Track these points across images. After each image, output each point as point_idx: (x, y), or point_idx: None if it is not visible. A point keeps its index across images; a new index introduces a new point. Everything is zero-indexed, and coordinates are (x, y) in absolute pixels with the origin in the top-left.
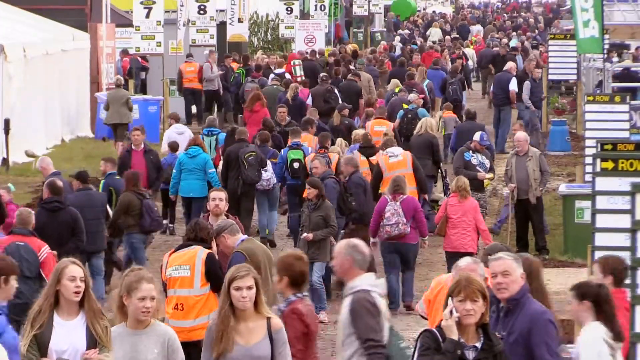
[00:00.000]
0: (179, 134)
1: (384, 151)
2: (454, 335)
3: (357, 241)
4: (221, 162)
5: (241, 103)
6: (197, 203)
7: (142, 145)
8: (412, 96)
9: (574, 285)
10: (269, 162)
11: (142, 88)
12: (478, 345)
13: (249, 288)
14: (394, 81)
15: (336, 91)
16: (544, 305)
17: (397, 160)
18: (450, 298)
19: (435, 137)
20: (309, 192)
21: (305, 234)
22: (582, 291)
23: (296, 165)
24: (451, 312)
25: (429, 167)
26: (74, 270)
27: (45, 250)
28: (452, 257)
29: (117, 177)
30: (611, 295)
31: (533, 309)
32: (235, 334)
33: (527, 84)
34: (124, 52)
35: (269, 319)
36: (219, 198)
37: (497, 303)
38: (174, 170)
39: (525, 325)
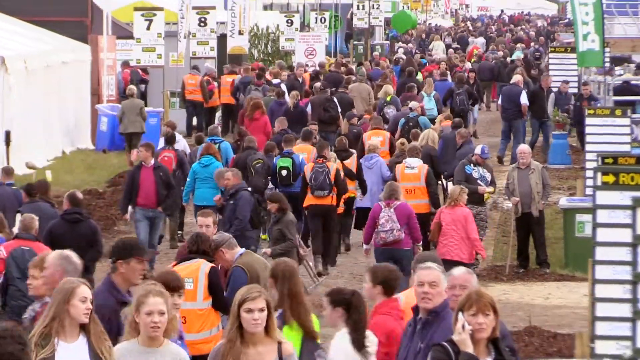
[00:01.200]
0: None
1: (404, 160)
2: (469, 348)
3: (69, 252)
4: None
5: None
6: None
7: (152, 162)
8: (414, 104)
9: (328, 291)
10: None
11: (142, 100)
12: None
13: (261, 310)
14: (385, 88)
15: (335, 100)
16: (297, 311)
17: (412, 173)
18: (460, 312)
19: (435, 149)
20: (270, 206)
21: (264, 249)
22: (335, 298)
23: (284, 173)
24: (463, 325)
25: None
26: (85, 291)
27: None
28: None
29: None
30: (363, 303)
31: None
32: (244, 358)
33: (552, 97)
34: (125, 64)
35: (280, 343)
36: (205, 225)
37: (414, 315)
38: (188, 179)
39: (444, 338)
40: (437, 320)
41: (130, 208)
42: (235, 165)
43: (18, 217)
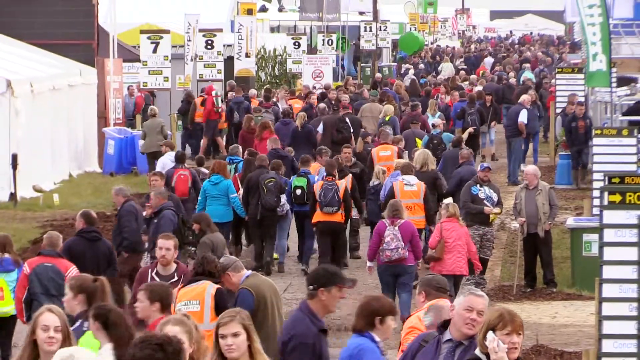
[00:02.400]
0: (172, 160)
1: (401, 177)
2: None
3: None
4: (241, 189)
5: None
6: (222, 228)
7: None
8: (437, 120)
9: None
10: None
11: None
12: None
13: (235, 335)
14: (386, 108)
15: (348, 121)
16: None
17: (411, 190)
18: (492, 331)
19: (438, 172)
20: (194, 226)
21: None
22: (95, 312)
23: (298, 192)
24: (497, 344)
25: (434, 201)
26: (48, 318)
27: (72, 271)
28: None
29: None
30: (122, 320)
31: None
32: None
33: (559, 118)
34: (138, 87)
35: None
36: (165, 248)
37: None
38: (199, 198)
39: None
40: (472, 347)
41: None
42: (247, 184)
43: None
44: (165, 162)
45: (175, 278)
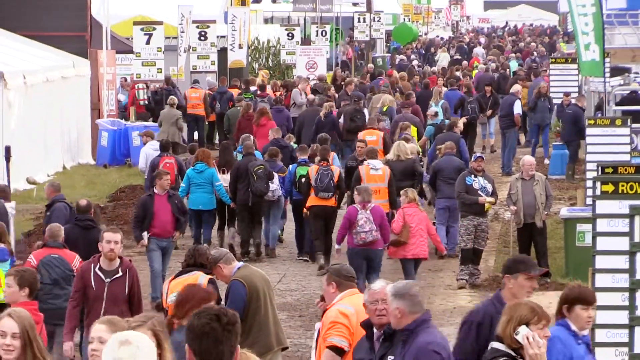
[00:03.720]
0: (155, 150)
1: (366, 161)
2: None
3: None
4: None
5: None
6: (206, 215)
7: (166, 190)
8: (433, 110)
9: None
10: (276, 175)
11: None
12: None
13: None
14: (383, 98)
15: (364, 111)
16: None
17: (376, 174)
18: (525, 325)
19: (416, 161)
20: None
21: None
22: None
23: (304, 180)
24: (532, 338)
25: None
26: (5, 324)
27: (78, 260)
28: (409, 264)
29: None
30: None
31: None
32: None
33: (555, 109)
34: (133, 80)
35: None
36: (114, 241)
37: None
38: (182, 184)
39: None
40: (412, 337)
41: (145, 234)
42: (236, 171)
43: None
44: (148, 151)
45: (120, 273)
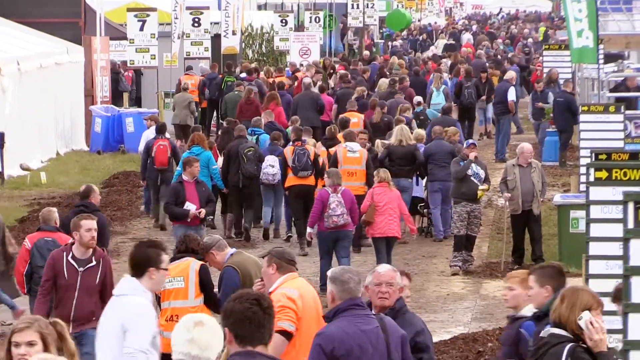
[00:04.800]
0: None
1: (344, 144)
2: (605, 348)
3: None
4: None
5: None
6: None
7: (195, 177)
8: (418, 98)
9: None
10: (277, 159)
11: (137, 101)
12: None
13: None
14: (382, 82)
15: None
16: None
17: (353, 156)
18: (588, 311)
19: (417, 148)
20: None
21: None
22: None
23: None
24: (594, 323)
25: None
26: (22, 335)
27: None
28: (379, 243)
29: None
30: None
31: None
32: None
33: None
34: (124, 64)
35: None
36: (94, 228)
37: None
38: (177, 168)
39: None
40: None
41: (188, 204)
42: (227, 154)
43: None
44: (149, 135)
45: (94, 262)
